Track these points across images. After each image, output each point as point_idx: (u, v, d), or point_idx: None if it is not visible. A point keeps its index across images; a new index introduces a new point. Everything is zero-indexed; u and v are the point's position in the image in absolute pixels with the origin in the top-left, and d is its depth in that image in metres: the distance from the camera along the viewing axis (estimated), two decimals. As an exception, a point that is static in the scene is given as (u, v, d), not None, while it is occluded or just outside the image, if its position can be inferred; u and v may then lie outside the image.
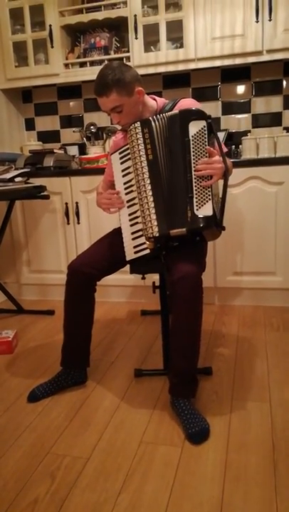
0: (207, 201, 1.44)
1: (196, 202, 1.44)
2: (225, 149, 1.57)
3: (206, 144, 1.46)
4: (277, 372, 1.80)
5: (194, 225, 1.44)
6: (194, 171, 1.44)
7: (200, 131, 1.46)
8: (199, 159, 1.45)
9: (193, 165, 1.45)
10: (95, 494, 1.20)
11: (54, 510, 1.15)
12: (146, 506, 1.15)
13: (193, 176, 1.45)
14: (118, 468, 1.29)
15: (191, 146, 1.45)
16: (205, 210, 1.44)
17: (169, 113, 1.50)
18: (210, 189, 1.45)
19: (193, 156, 1.45)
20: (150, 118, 1.51)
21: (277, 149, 2.55)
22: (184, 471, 1.27)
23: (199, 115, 1.46)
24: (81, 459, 1.34)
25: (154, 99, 1.71)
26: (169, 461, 1.31)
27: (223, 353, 2.00)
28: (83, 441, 1.42)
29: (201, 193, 1.45)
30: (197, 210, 1.43)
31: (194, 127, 1.46)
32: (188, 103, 1.66)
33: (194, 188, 1.45)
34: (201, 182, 1.44)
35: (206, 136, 1.46)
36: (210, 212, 1.44)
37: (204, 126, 1.46)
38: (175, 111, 1.51)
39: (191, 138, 1.45)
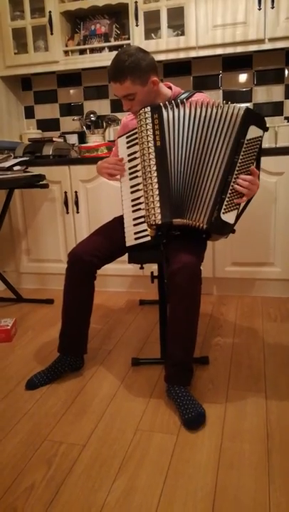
0: (234, 209, 1.45)
1: (225, 205, 1.43)
2: None
3: (255, 154, 1.44)
4: (274, 362, 1.81)
5: (215, 226, 1.43)
6: (235, 177, 1.42)
7: (255, 139, 1.43)
8: (243, 166, 1.43)
9: (237, 169, 1.43)
10: (90, 481, 1.21)
11: (50, 496, 1.16)
12: (140, 493, 1.16)
13: (233, 180, 1.42)
14: (114, 455, 1.31)
15: (243, 149, 1.42)
16: (229, 217, 1.44)
17: (232, 105, 1.44)
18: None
19: (241, 160, 1.42)
20: (161, 104, 1.49)
21: (278, 139, 2.54)
22: (178, 458, 1.28)
23: (262, 123, 1.44)
24: (77, 446, 1.36)
25: (170, 87, 1.69)
26: (164, 448, 1.33)
27: (220, 342, 2.01)
28: (80, 429, 1.44)
29: (233, 199, 1.44)
30: (223, 213, 1.43)
31: (252, 132, 1.42)
32: (201, 97, 1.65)
33: (229, 192, 1.43)
34: (236, 189, 1.43)
35: (258, 146, 1.45)
36: (232, 221, 1.44)
37: (260, 137, 1.44)
38: (241, 105, 1.44)
39: (246, 141, 1.42)
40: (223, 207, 1.43)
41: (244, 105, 1.48)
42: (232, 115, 1.43)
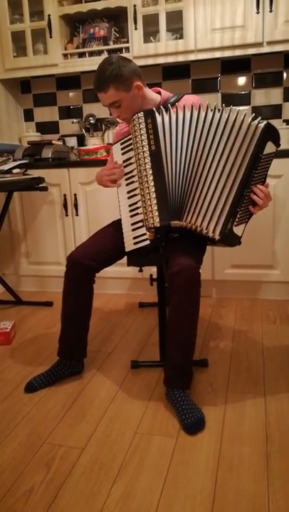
0: (244, 222, 1.46)
1: (238, 218, 1.43)
2: None
3: (267, 170, 1.45)
4: (273, 365, 1.81)
5: (227, 238, 1.43)
6: (249, 191, 1.43)
7: (269, 154, 1.44)
8: (256, 181, 1.44)
9: (252, 183, 1.43)
10: (89, 484, 1.21)
11: (49, 499, 1.16)
12: (139, 496, 1.16)
13: (247, 194, 1.43)
14: (113, 458, 1.31)
15: (259, 164, 1.42)
16: (238, 229, 1.45)
17: (236, 109, 1.43)
18: (251, 213, 1.47)
19: (256, 175, 1.42)
20: (154, 109, 1.50)
21: (277, 142, 2.54)
22: (177, 461, 1.28)
23: (278, 140, 1.44)
24: (76, 449, 1.36)
25: (159, 93, 1.70)
26: (163, 451, 1.33)
27: (219, 345, 2.02)
28: (79, 432, 1.44)
29: (245, 213, 1.45)
30: (235, 226, 1.43)
31: (268, 148, 1.42)
32: (191, 99, 1.65)
33: (243, 205, 1.43)
34: (252, 198, 1.44)
35: (270, 162, 1.46)
36: (240, 233, 1.46)
37: (273, 153, 1.45)
38: (262, 120, 1.41)
39: (262, 156, 1.41)
40: (236, 219, 1.43)
41: (243, 108, 1.48)
42: (249, 126, 1.40)
